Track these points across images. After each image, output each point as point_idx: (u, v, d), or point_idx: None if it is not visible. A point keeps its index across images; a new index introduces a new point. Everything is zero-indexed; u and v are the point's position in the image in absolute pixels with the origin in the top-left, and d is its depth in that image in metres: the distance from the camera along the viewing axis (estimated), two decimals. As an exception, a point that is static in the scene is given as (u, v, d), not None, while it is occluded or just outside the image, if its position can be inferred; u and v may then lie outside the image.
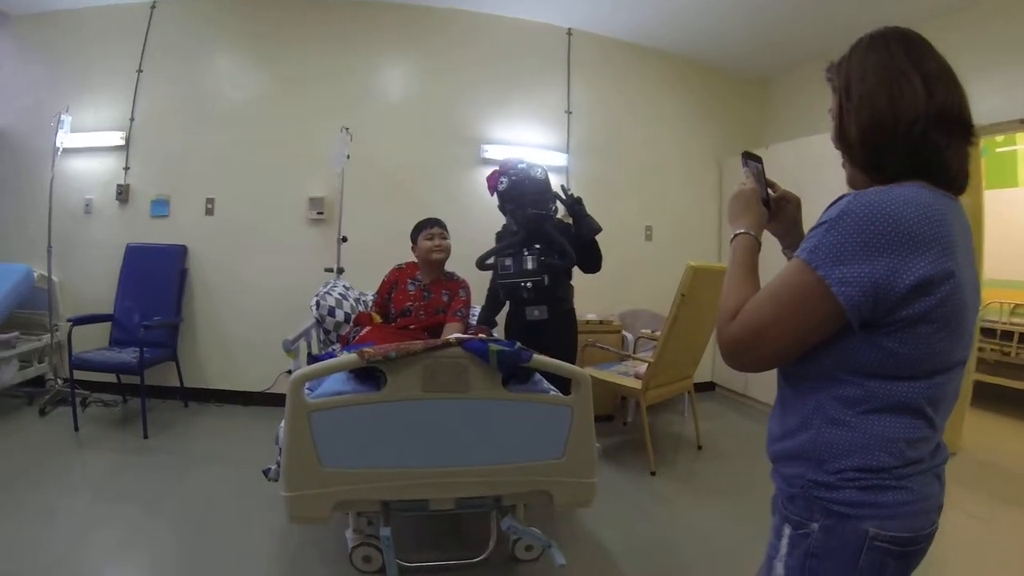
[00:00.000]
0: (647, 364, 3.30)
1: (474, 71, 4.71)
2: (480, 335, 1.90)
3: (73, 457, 3.34)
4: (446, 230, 2.92)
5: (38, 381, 4.29)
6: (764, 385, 4.41)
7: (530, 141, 4.72)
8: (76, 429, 3.65)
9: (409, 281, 2.90)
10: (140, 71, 4.52)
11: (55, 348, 4.25)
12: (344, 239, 4.12)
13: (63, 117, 4.20)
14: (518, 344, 1.76)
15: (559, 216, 2.89)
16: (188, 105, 4.54)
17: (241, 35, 4.60)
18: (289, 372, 2.48)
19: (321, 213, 4.43)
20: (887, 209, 0.80)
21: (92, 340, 4.10)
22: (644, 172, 5.00)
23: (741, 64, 5.18)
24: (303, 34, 4.56)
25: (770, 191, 1.13)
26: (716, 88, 5.32)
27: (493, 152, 4.62)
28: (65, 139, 4.26)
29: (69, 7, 4.61)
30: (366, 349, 1.67)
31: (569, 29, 4.84)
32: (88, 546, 2.34)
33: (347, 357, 1.71)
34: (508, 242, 2.81)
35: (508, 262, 2.78)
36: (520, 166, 2.79)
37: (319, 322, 2.84)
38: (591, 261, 2.86)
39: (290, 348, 2.46)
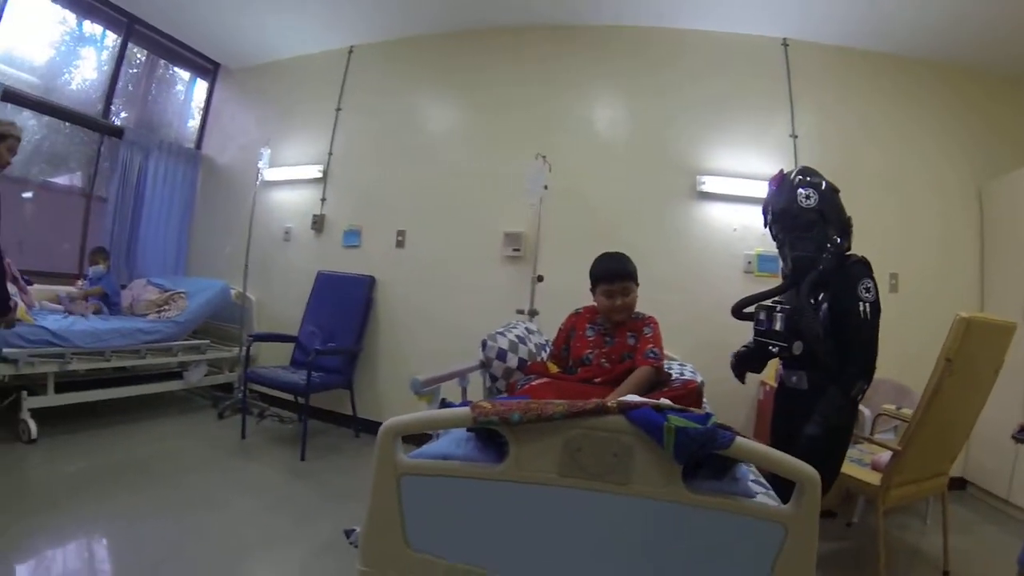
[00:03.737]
0: (891, 452, 2.44)
1: (682, 94, 4.16)
2: (663, 400, 1.30)
3: (229, 461, 3.45)
4: (632, 279, 2.32)
5: (229, 388, 4.64)
6: None
7: (752, 171, 3.98)
8: (243, 437, 3.81)
9: (588, 326, 2.40)
10: (339, 109, 4.78)
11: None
12: (540, 278, 3.73)
13: (262, 151, 4.53)
14: (714, 419, 1.15)
15: (856, 257, 2.18)
16: (382, 139, 4.63)
17: (434, 69, 4.59)
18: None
19: (518, 250, 4.10)
20: None
21: (279, 358, 4.31)
22: (886, 206, 3.96)
23: (995, 57, 3.97)
24: (496, 63, 4.42)
25: None
26: (967, 93, 4.14)
27: (711, 184, 3.99)
28: (267, 172, 4.59)
29: (277, 58, 5.14)
30: (482, 403, 1.20)
31: (784, 39, 4.10)
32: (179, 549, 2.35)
33: (456, 411, 1.26)
34: (767, 291, 2.28)
35: (762, 316, 2.25)
36: (787, 180, 2.20)
37: (485, 365, 2.44)
38: (856, 355, 2.08)
39: (421, 391, 2.02)
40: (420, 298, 4.32)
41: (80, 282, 4.33)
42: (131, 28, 4.75)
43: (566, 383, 2.15)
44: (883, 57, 4.13)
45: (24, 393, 3.25)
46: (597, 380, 2.15)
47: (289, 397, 4.23)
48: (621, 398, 1.21)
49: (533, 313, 3.63)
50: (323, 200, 4.71)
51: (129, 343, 3.80)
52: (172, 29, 4.92)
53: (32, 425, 3.20)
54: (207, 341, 4.37)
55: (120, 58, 4.78)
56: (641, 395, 1.91)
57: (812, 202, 2.12)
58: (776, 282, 3.80)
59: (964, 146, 4.11)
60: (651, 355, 2.19)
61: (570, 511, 1.16)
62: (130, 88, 4.96)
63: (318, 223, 4.67)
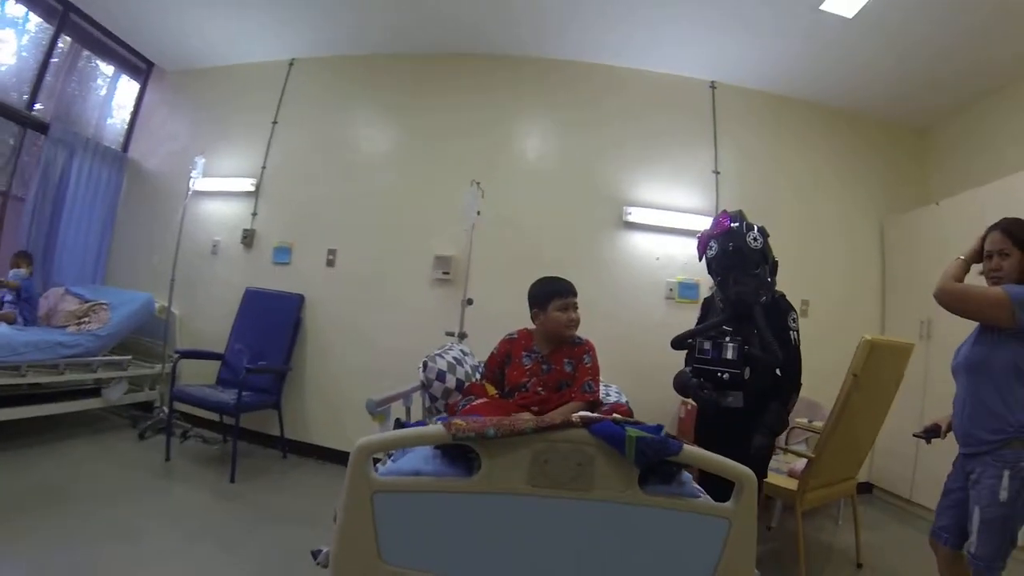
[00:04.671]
0: (806, 460, 2.68)
1: (614, 129, 4.38)
2: (615, 415, 1.44)
3: (151, 484, 3.28)
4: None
5: (147, 406, 4.40)
6: (932, 489, 3.65)
7: (677, 204, 4.26)
8: (167, 459, 3.63)
9: (524, 353, 2.42)
10: (275, 122, 4.71)
11: (167, 378, 4.23)
12: (470, 301, 3.73)
13: (197, 159, 4.39)
14: (665, 430, 1.30)
15: (780, 293, 2.48)
16: (318, 156, 4.60)
17: (374, 89, 4.63)
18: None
19: (447, 273, 4.16)
20: None
21: (203, 376, 4.14)
22: (799, 239, 4.31)
23: (899, 111, 4.52)
24: (437, 88, 4.50)
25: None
26: (873, 139, 4.64)
27: (637, 215, 4.21)
28: (198, 182, 4.43)
29: (215, 64, 5.00)
30: (456, 421, 1.27)
31: (712, 82, 4.42)
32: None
33: (429, 428, 1.32)
34: (710, 323, 2.46)
35: (707, 346, 2.41)
36: (734, 227, 2.40)
37: (425, 386, 2.46)
38: (789, 374, 2.41)
39: (375, 411, 2.04)
40: (349, 318, 4.30)
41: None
42: (66, 17, 4.51)
43: (507, 404, 2.22)
44: (800, 103, 4.54)
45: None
46: (534, 409, 2.19)
47: (213, 416, 4.08)
48: (582, 414, 1.32)
49: (463, 336, 3.66)
50: (254, 214, 4.61)
51: (47, 357, 3.55)
52: (108, 22, 4.69)
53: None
54: (129, 357, 4.14)
55: (51, 47, 4.53)
56: None
57: (759, 244, 2.38)
58: (695, 308, 4.11)
59: (869, 186, 4.58)
60: (587, 389, 2.29)
61: (539, 517, 1.25)
62: (48, 78, 4.68)
63: (248, 238, 4.56)
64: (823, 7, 3.41)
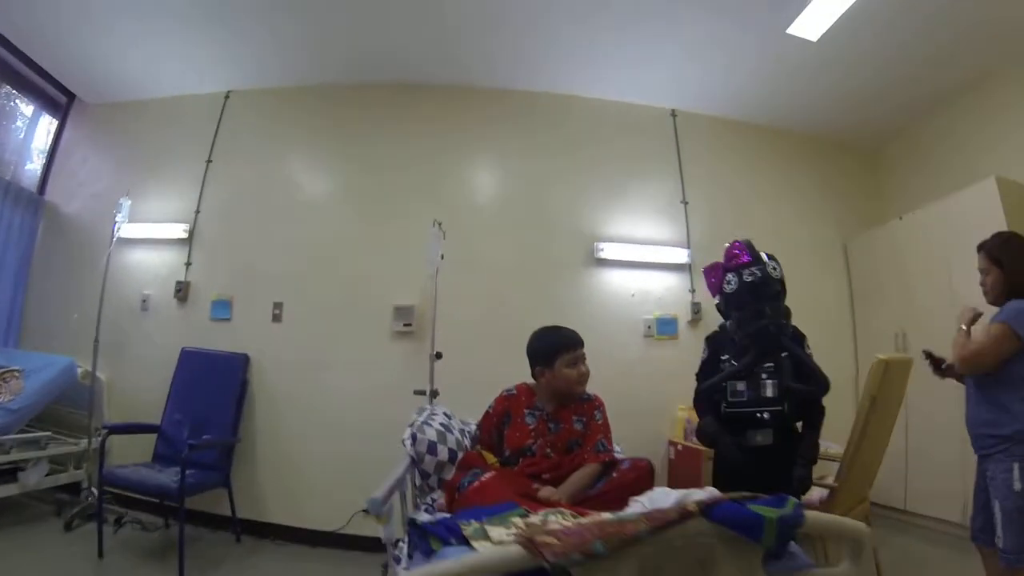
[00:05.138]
0: (825, 490, 2.55)
1: (579, 161, 4.25)
2: (712, 490, 1.21)
3: None
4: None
5: (74, 488, 3.78)
6: (926, 496, 3.71)
7: (648, 237, 4.16)
8: (100, 555, 3.05)
9: (527, 412, 2.20)
10: (210, 161, 4.33)
11: (94, 454, 3.67)
12: (438, 355, 3.37)
13: (122, 201, 3.94)
14: (792, 500, 1.12)
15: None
16: (259, 198, 4.23)
17: (320, 124, 4.33)
18: (365, 512, 1.68)
19: (409, 324, 3.83)
20: None
21: (136, 451, 3.63)
22: (768, 262, 4.34)
23: (858, 133, 4.68)
24: (388, 123, 4.26)
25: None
26: (833, 161, 4.74)
27: (609, 251, 4.07)
28: (124, 227, 3.97)
29: (144, 96, 4.56)
30: (547, 539, 0.95)
31: (673, 110, 4.40)
32: None
33: (505, 552, 0.98)
34: (743, 364, 2.28)
35: (740, 387, 2.26)
36: (753, 258, 2.30)
37: (415, 462, 2.15)
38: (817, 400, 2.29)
39: (382, 512, 1.61)
40: (301, 380, 3.88)
41: None
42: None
43: (518, 475, 1.99)
44: (760, 129, 4.58)
45: None
46: (545, 477, 1.99)
47: (151, 497, 3.49)
48: (697, 497, 1.07)
49: (435, 393, 3.31)
50: (188, 264, 4.16)
51: (-51, 439, 2.96)
52: (23, 44, 4.14)
53: None
54: (48, 433, 3.56)
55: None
56: (589, 487, 1.90)
57: (779, 273, 2.30)
58: (675, 344, 4.02)
59: (831, 208, 4.66)
60: (601, 448, 2.10)
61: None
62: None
63: (182, 291, 4.10)
64: (789, 30, 3.43)
